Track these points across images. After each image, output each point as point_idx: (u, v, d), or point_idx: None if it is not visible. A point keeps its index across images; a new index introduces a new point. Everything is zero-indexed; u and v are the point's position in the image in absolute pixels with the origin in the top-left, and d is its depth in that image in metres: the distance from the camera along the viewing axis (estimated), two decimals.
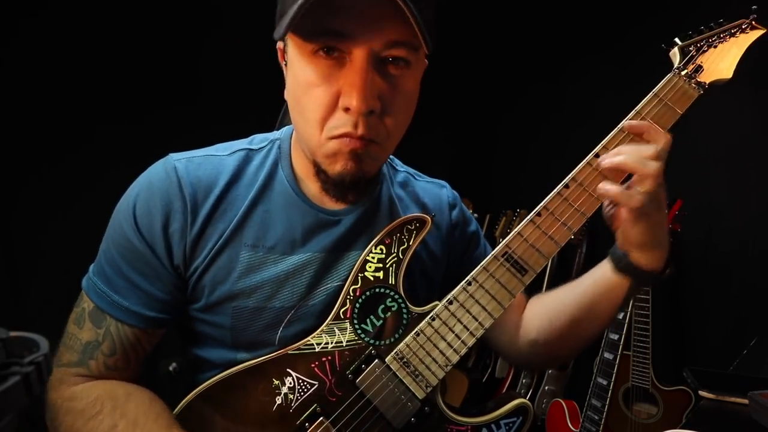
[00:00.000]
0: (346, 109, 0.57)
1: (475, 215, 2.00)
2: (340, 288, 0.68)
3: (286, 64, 0.64)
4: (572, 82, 2.15)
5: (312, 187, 0.68)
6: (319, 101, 0.58)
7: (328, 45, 0.56)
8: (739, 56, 0.68)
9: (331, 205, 0.69)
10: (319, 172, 0.64)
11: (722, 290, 1.63)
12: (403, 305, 0.66)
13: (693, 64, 0.67)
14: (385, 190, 0.76)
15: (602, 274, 0.70)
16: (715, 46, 0.68)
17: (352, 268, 0.69)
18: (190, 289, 0.66)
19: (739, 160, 1.61)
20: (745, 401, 0.83)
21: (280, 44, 0.64)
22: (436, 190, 0.83)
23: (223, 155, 0.68)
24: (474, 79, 2.41)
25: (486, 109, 2.45)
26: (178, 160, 0.66)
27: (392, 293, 0.66)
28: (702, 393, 0.94)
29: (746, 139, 1.60)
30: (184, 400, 0.63)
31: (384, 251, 0.67)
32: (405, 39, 0.57)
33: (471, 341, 0.62)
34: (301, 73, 0.58)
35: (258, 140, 0.73)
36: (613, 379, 1.36)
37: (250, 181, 0.68)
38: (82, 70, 1.42)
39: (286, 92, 0.65)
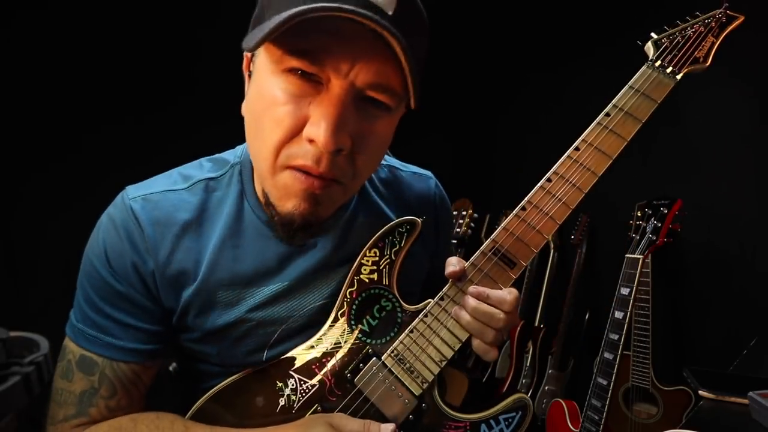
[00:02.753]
0: (311, 141, 0.51)
1: (475, 215, 2.02)
2: (323, 305, 0.68)
3: (250, 75, 0.58)
4: (571, 83, 2.15)
5: None
6: (280, 122, 0.51)
7: (306, 69, 0.50)
8: (717, 45, 0.70)
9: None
10: (268, 204, 0.58)
11: (722, 290, 1.63)
12: (397, 304, 0.67)
13: (667, 55, 0.69)
14: (364, 197, 0.73)
15: None
16: (689, 37, 0.70)
17: (336, 285, 0.68)
18: (174, 323, 0.65)
19: (739, 160, 1.61)
20: (745, 401, 0.83)
21: (247, 53, 0.59)
22: (423, 185, 0.80)
23: (181, 189, 0.63)
24: (473, 80, 2.41)
25: (485, 109, 2.45)
26: (134, 198, 0.62)
27: (386, 293, 0.67)
28: (702, 393, 0.94)
29: (747, 139, 1.59)
30: (194, 406, 0.64)
31: (378, 254, 0.67)
32: (391, 85, 0.52)
33: (464, 336, 0.63)
34: (268, 87, 0.52)
35: (218, 165, 0.67)
36: (613, 379, 1.36)
37: (213, 215, 0.63)
38: (82, 70, 1.42)
39: (244, 106, 0.59)
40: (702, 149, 1.67)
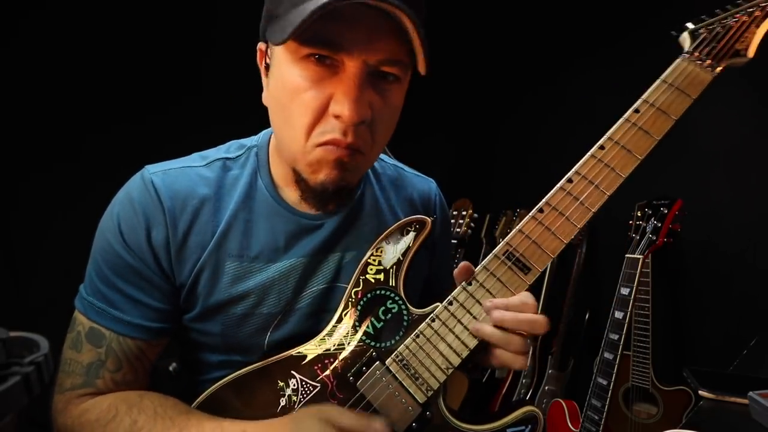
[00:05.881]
0: (337, 117, 0.56)
1: (475, 215, 2.02)
2: (326, 290, 0.69)
3: (267, 67, 0.62)
4: (572, 83, 2.15)
5: (292, 193, 0.68)
6: (307, 106, 0.56)
7: (322, 53, 0.54)
8: (761, 35, 0.62)
9: (312, 209, 0.68)
10: (300, 180, 0.63)
11: (722, 290, 1.63)
12: (403, 307, 0.65)
13: (705, 47, 0.63)
14: (369, 189, 0.75)
15: None
16: (730, 27, 0.63)
17: (337, 270, 0.69)
18: (183, 299, 0.66)
19: (739, 160, 1.61)
20: (745, 401, 0.82)
21: (261, 45, 0.63)
22: (425, 186, 0.83)
23: (199, 166, 0.67)
24: (474, 80, 2.41)
25: (486, 109, 2.45)
26: (154, 173, 0.65)
27: (393, 295, 0.65)
28: (702, 393, 0.94)
29: (747, 139, 1.59)
30: (195, 402, 0.64)
31: (384, 253, 0.66)
32: (400, 58, 0.56)
33: (473, 343, 0.60)
34: (290, 76, 0.56)
35: (235, 147, 0.71)
36: (613, 379, 1.36)
37: (229, 191, 0.67)
38: (84, 70, 1.42)
39: (266, 96, 0.63)
40: (702, 149, 1.67)
